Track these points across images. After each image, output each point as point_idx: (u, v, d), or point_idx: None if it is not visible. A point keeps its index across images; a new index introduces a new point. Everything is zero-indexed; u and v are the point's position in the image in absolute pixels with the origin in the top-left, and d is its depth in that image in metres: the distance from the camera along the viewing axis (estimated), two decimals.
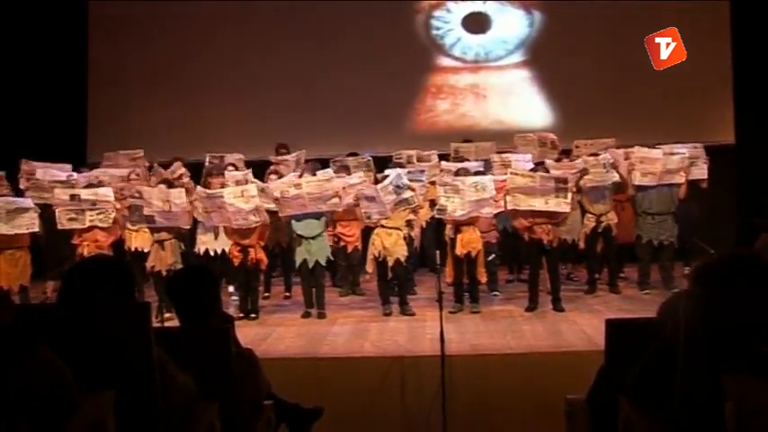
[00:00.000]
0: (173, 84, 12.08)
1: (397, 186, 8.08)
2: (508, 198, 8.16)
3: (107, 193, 8.39)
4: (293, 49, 12.05)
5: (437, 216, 8.22)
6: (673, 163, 8.77)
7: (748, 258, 2.66)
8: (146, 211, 8.10)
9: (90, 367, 2.72)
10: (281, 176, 9.03)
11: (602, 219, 8.87)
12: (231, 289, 8.33)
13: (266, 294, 9.32)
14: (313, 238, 8.27)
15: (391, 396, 6.21)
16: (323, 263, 8.36)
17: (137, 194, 8.16)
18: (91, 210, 8.24)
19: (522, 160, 9.47)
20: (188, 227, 8.34)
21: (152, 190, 8.30)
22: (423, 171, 8.96)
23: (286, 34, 12.13)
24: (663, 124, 10.99)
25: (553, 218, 8.17)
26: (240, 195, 8.03)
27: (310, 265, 8.26)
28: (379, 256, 8.20)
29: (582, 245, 8.98)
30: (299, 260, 8.32)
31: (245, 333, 6.75)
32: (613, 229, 8.92)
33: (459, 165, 9.17)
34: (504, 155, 9.80)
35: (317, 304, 8.34)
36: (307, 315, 8.31)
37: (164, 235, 8.25)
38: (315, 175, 8.42)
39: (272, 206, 8.54)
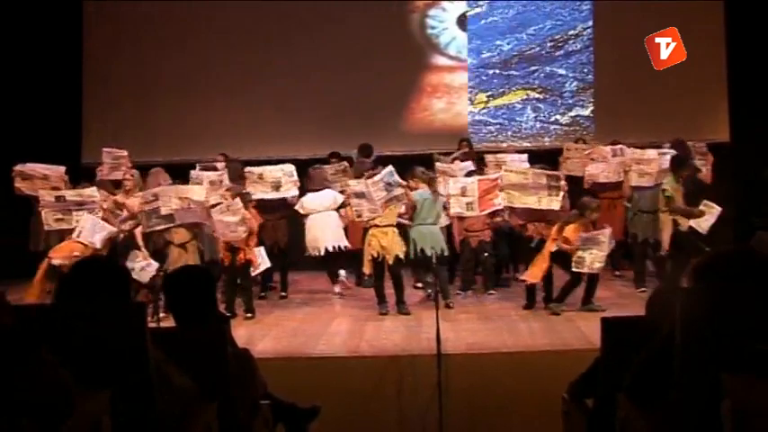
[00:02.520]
0: (169, 84, 12.05)
1: (388, 183, 8.07)
2: (502, 195, 8.20)
3: (93, 192, 8.43)
4: (289, 49, 12.04)
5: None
6: (666, 162, 8.80)
7: (747, 255, 2.65)
8: (163, 211, 8.00)
9: (86, 368, 2.72)
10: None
11: None
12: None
13: (263, 294, 9.32)
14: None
15: (388, 395, 6.20)
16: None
17: (151, 197, 8.08)
18: (78, 210, 8.24)
19: (518, 160, 9.49)
20: (207, 222, 8.21)
21: (168, 188, 8.25)
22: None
23: (283, 33, 12.11)
24: (658, 123, 11.01)
25: (547, 217, 8.19)
26: (226, 210, 8.07)
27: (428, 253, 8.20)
28: (377, 257, 8.20)
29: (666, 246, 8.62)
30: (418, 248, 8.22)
31: (242, 333, 6.76)
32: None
33: (454, 165, 9.22)
34: (498, 155, 9.81)
35: (443, 295, 8.13)
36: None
37: (184, 237, 8.21)
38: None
39: (268, 195, 8.56)
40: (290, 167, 9.13)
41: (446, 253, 8.34)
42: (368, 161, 9.77)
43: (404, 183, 8.21)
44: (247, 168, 9.17)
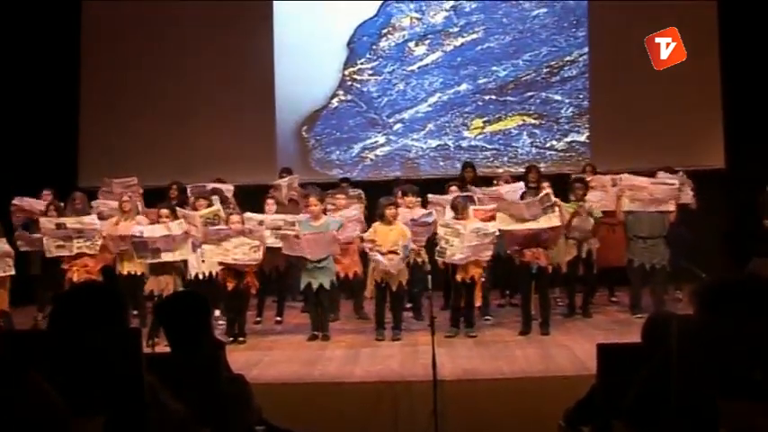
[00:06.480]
0: (166, 108, 12.03)
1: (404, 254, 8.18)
2: (499, 216, 8.21)
3: (93, 220, 8.62)
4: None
5: (437, 258, 8.20)
6: (661, 192, 8.80)
7: (746, 282, 2.65)
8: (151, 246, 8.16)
9: (80, 394, 2.70)
10: (278, 202, 9.14)
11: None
12: (217, 313, 8.35)
13: (258, 319, 9.28)
14: (318, 262, 8.28)
15: (383, 422, 6.18)
16: (327, 287, 8.33)
17: (138, 234, 8.19)
18: (78, 237, 8.46)
19: (511, 190, 9.46)
20: (186, 257, 8.33)
21: (154, 227, 8.35)
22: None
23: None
24: (653, 149, 11.02)
25: (543, 242, 8.20)
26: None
27: (314, 288, 8.28)
28: (381, 282, 8.20)
29: None
30: (303, 284, 8.35)
31: (237, 358, 6.71)
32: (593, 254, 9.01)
33: (447, 196, 9.21)
34: (492, 191, 9.71)
35: (321, 327, 8.34)
36: (313, 338, 8.31)
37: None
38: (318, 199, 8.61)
39: (267, 241, 8.54)
40: (293, 217, 9.04)
41: (327, 287, 8.32)
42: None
43: (417, 248, 8.35)
44: (247, 214, 9.07)
